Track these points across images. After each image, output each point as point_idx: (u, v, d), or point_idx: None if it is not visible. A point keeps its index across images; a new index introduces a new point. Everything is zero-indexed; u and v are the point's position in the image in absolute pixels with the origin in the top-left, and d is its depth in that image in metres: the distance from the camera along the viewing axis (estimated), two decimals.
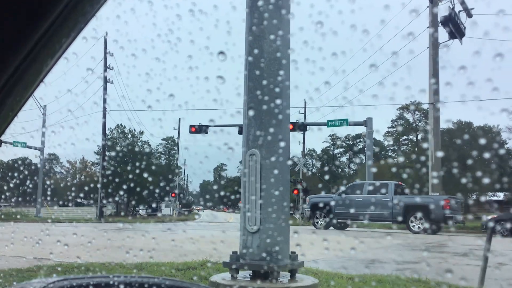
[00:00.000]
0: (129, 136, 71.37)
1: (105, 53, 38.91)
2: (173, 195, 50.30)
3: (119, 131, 70.48)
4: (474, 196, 49.13)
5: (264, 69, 5.25)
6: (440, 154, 25.28)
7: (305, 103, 48.54)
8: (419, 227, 20.13)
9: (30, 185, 43.82)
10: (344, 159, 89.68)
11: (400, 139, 75.22)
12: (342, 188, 23.40)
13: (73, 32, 0.81)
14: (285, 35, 5.42)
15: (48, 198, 42.29)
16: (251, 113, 5.26)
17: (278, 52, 5.35)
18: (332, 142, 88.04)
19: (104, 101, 38.80)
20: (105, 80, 39.04)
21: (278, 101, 5.25)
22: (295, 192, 38.03)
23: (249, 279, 5.16)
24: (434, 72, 25.87)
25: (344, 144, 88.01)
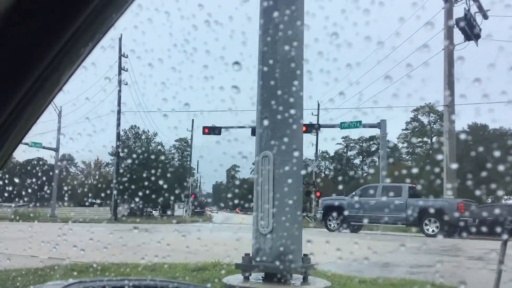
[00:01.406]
0: (143, 137, 71.89)
1: (120, 54, 39.25)
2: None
3: (133, 132, 71.01)
4: (490, 200, 48.53)
5: (278, 78, 5.27)
6: (454, 158, 25.04)
7: (318, 105, 48.39)
8: (433, 230, 19.94)
9: (45, 186, 44.33)
10: (357, 161, 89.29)
11: (415, 142, 74.64)
12: (356, 191, 23.28)
13: (92, 42, 0.83)
14: (299, 45, 5.43)
15: (64, 198, 42.76)
16: (264, 121, 5.28)
17: (292, 62, 5.36)
18: (345, 144, 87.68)
19: (119, 103, 39.14)
20: (120, 82, 39.34)
21: (291, 110, 5.26)
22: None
23: (261, 281, 5.17)
24: (449, 74, 25.63)
25: (358, 146, 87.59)
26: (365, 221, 22.06)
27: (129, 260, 7.57)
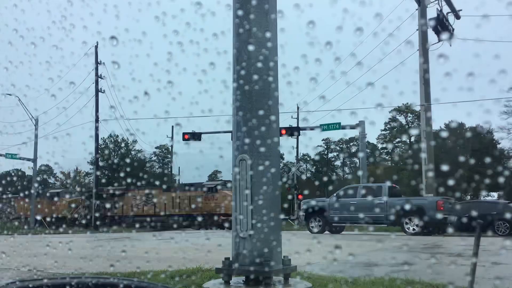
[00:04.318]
0: (123, 145, 71.29)
1: (96, 62, 38.83)
2: None
3: (112, 140, 70.35)
4: (468, 197, 49.30)
5: (253, 80, 5.27)
6: (431, 154, 25.38)
7: (298, 108, 48.66)
8: (414, 229, 20.18)
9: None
10: (338, 162, 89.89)
11: (394, 142, 75.48)
12: (336, 192, 23.40)
13: None
14: (273, 39, 5.44)
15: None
16: (239, 119, 5.27)
17: (266, 57, 5.36)
18: (326, 146, 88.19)
19: (96, 110, 38.68)
20: (97, 91, 38.90)
21: (268, 112, 5.26)
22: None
23: (242, 284, 5.14)
24: (425, 74, 26.01)
25: (338, 148, 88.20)
26: (347, 222, 22.21)
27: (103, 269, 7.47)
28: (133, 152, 73.26)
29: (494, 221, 22.09)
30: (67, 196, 40.94)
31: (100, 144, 52.53)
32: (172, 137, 59.64)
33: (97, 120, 38.75)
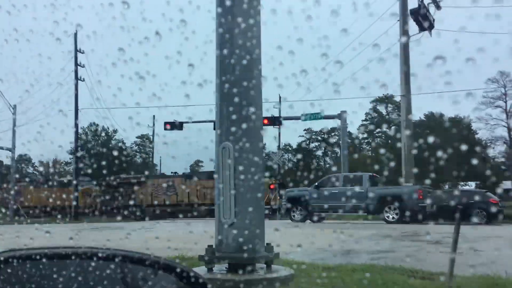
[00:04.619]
0: (103, 134, 70.52)
1: (76, 49, 38.21)
2: None
3: (92, 129, 69.55)
4: (447, 186, 50.05)
5: (235, 64, 5.26)
6: (411, 147, 25.69)
7: (280, 97, 48.54)
8: (393, 217, 20.47)
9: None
10: (320, 152, 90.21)
11: (374, 132, 76.10)
12: (318, 181, 23.54)
13: None
14: (256, 28, 5.44)
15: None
16: (222, 109, 5.27)
17: (249, 47, 5.35)
18: (307, 136, 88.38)
19: (76, 99, 38.09)
20: (76, 77, 38.31)
21: (250, 101, 5.27)
22: (272, 186, 38.21)
23: (225, 271, 5.18)
24: (405, 65, 26.23)
25: (320, 138, 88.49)
26: (328, 210, 22.39)
27: None
28: (113, 142, 72.57)
29: (472, 209, 22.51)
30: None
31: (79, 134, 51.91)
32: (153, 127, 59.21)
33: (76, 110, 38.20)
